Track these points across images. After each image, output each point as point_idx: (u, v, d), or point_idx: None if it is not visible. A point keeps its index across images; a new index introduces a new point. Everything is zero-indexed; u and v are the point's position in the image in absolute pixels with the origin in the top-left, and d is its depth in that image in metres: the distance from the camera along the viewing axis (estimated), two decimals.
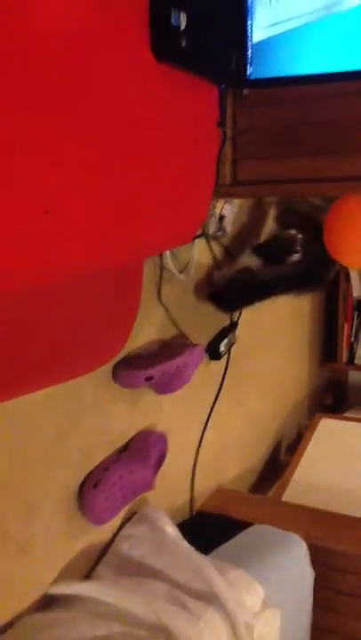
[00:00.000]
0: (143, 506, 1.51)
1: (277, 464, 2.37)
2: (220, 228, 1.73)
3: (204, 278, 1.74)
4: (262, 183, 1.34)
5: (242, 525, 1.64)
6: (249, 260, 1.79)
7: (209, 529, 1.69)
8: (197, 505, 1.82)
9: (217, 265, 1.81)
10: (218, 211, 1.70)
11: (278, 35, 0.92)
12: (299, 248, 1.78)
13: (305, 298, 2.65)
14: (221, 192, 1.38)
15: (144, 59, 0.75)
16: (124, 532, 1.43)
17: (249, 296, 1.79)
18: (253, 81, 0.95)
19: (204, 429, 1.83)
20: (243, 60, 0.93)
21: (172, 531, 1.46)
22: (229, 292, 1.76)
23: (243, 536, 1.60)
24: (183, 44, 0.78)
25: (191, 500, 1.79)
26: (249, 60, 0.94)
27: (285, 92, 1.22)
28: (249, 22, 0.92)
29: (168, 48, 0.77)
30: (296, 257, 1.80)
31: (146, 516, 1.47)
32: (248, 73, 0.94)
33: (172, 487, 1.68)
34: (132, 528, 1.44)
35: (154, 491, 1.47)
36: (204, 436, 1.83)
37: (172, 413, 1.64)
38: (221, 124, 1.02)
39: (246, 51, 0.93)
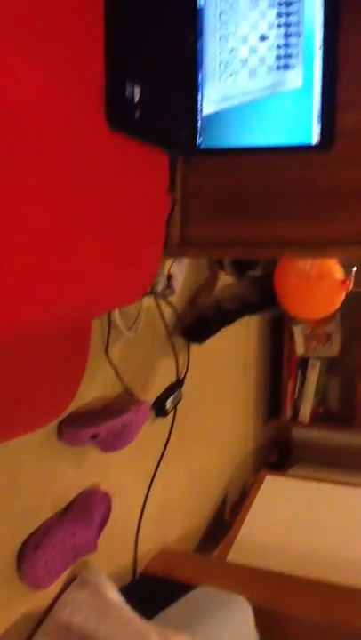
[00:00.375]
0: (85, 569, 1.46)
1: (222, 523, 2.35)
2: (169, 285, 1.76)
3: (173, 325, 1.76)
4: (209, 245, 1.39)
5: (186, 588, 1.61)
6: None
7: (153, 592, 1.64)
8: (141, 567, 1.78)
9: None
10: (166, 269, 1.74)
11: (227, 108, 0.98)
12: (259, 266, 2.23)
13: (251, 355, 2.69)
14: (170, 252, 1.41)
15: (98, 128, 0.78)
16: (64, 597, 1.38)
17: (218, 325, 2.08)
18: (203, 150, 1.00)
19: (149, 488, 1.80)
20: (193, 131, 0.98)
21: (114, 595, 1.41)
22: (200, 326, 2.01)
23: (187, 599, 1.57)
24: (136, 115, 0.82)
25: (135, 562, 1.75)
26: (199, 131, 0.99)
27: (233, 161, 1.28)
28: (199, 96, 0.97)
29: (122, 119, 0.80)
30: (257, 272, 2.25)
31: (87, 580, 1.43)
32: (198, 143, 0.99)
33: (115, 549, 1.64)
34: (72, 593, 1.39)
35: (96, 553, 1.43)
36: (149, 496, 1.80)
37: (117, 472, 1.61)
38: (171, 189, 1.06)
39: (196, 122, 0.98)
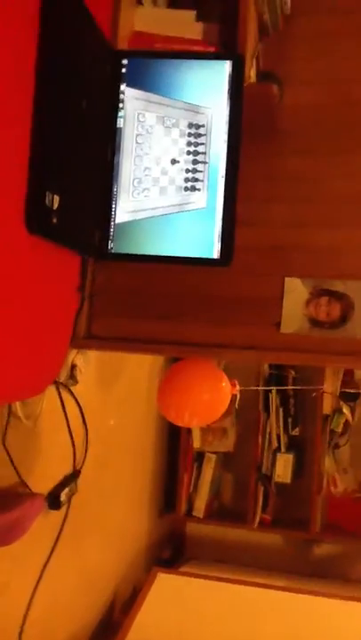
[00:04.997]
0: None
1: (112, 624, 2.26)
2: (72, 376, 1.78)
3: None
4: (114, 339, 1.44)
5: None
6: None
7: None
8: None
9: None
10: (70, 359, 1.76)
11: (139, 219, 1.06)
12: None
13: (149, 447, 2.70)
14: (76, 343, 1.45)
15: (16, 231, 0.83)
16: None
17: None
18: (114, 255, 1.07)
19: (36, 586, 1.73)
20: (105, 237, 1.05)
21: None
22: None
23: None
24: (54, 221, 0.88)
25: None
26: (111, 238, 1.06)
27: (140, 264, 1.36)
28: (113, 207, 1.06)
29: (40, 223, 0.85)
30: None
31: None
32: (110, 248, 1.06)
33: None
34: None
35: None
36: (35, 594, 1.72)
37: (4, 568, 1.54)
38: (81, 288, 1.11)
39: (109, 230, 1.06)
